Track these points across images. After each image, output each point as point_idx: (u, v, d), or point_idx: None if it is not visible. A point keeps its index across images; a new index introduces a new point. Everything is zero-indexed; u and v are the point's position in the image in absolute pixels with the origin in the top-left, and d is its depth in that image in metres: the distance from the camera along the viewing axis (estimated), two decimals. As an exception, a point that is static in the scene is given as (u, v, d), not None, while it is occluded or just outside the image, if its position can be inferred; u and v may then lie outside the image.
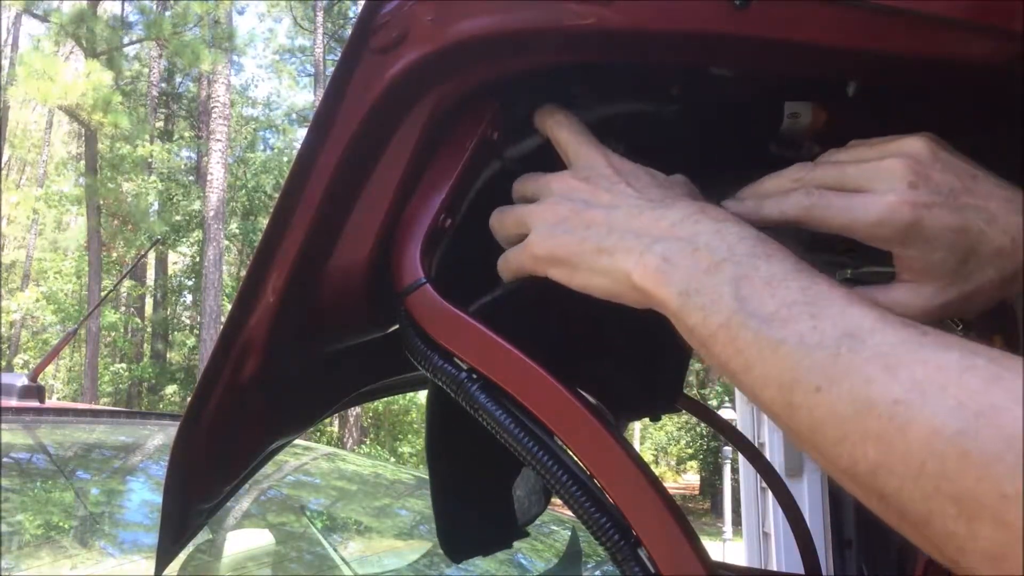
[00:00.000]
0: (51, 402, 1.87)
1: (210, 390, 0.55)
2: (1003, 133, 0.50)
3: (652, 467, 0.63)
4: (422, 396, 0.78)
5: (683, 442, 21.26)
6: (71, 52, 14.77)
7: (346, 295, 0.53)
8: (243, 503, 1.46)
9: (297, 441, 1.51)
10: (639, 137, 0.55)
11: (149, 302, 19.48)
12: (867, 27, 0.41)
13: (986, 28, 0.40)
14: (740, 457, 3.05)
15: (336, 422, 14.95)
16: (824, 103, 0.54)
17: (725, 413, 6.50)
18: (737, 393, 4.15)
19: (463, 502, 0.63)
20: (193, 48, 12.52)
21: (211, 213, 13.33)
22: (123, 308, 17.75)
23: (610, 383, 0.76)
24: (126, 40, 14.42)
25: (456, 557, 0.66)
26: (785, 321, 0.34)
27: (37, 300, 15.75)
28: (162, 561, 0.65)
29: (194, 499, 0.62)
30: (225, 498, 0.67)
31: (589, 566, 1.54)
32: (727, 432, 1.17)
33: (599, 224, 0.43)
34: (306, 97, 22.65)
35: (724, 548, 10.90)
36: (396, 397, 12.26)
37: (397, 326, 0.49)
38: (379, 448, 14.74)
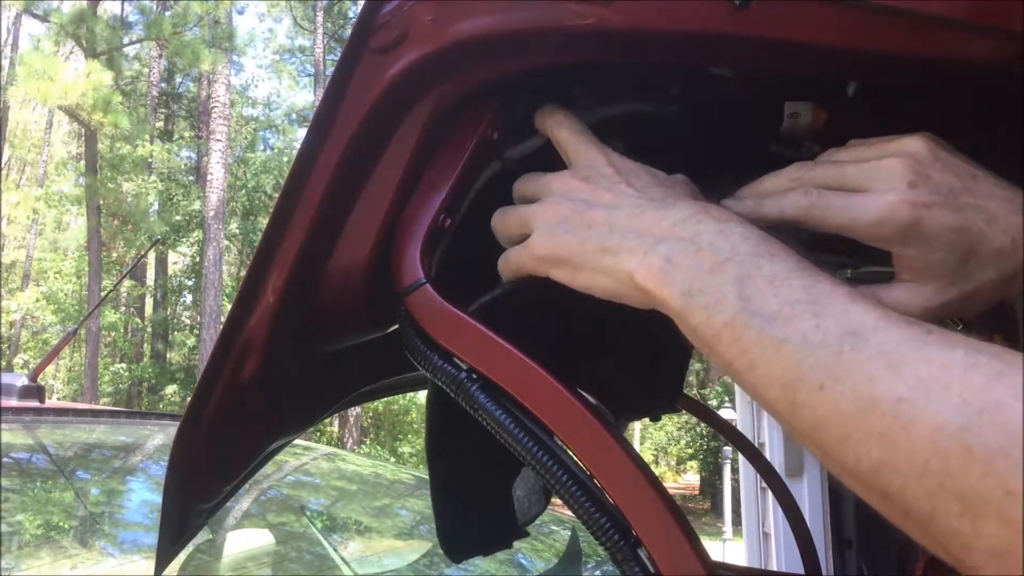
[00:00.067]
0: (51, 402, 1.87)
1: (210, 390, 0.55)
2: (1003, 133, 0.50)
3: (652, 467, 0.63)
4: (422, 396, 0.78)
5: (683, 442, 21.25)
6: (71, 52, 14.77)
7: (346, 295, 0.53)
8: (243, 503, 1.46)
9: (297, 441, 1.51)
10: (639, 137, 0.55)
11: (149, 302, 19.47)
12: (867, 27, 0.41)
13: (986, 28, 0.40)
14: (740, 457, 3.05)
15: (336, 422, 14.94)
16: (824, 103, 0.54)
17: (725, 413, 6.50)
18: (737, 393, 4.14)
19: (463, 502, 0.63)
20: (193, 48, 12.52)
21: (211, 213, 13.33)
22: (123, 308, 17.74)
23: (610, 383, 0.76)
24: (126, 40, 14.42)
25: (456, 557, 0.66)
26: (788, 320, 0.34)
27: (37, 300, 15.75)
28: (162, 561, 0.65)
29: (194, 499, 0.62)
30: (225, 498, 0.67)
31: (589, 566, 1.53)
32: (727, 432, 1.17)
33: (601, 224, 0.43)
34: (306, 97, 22.68)
35: (724, 548, 10.89)
36: (396, 397, 12.26)
37: (397, 326, 0.49)
38: (379, 448, 14.73)
